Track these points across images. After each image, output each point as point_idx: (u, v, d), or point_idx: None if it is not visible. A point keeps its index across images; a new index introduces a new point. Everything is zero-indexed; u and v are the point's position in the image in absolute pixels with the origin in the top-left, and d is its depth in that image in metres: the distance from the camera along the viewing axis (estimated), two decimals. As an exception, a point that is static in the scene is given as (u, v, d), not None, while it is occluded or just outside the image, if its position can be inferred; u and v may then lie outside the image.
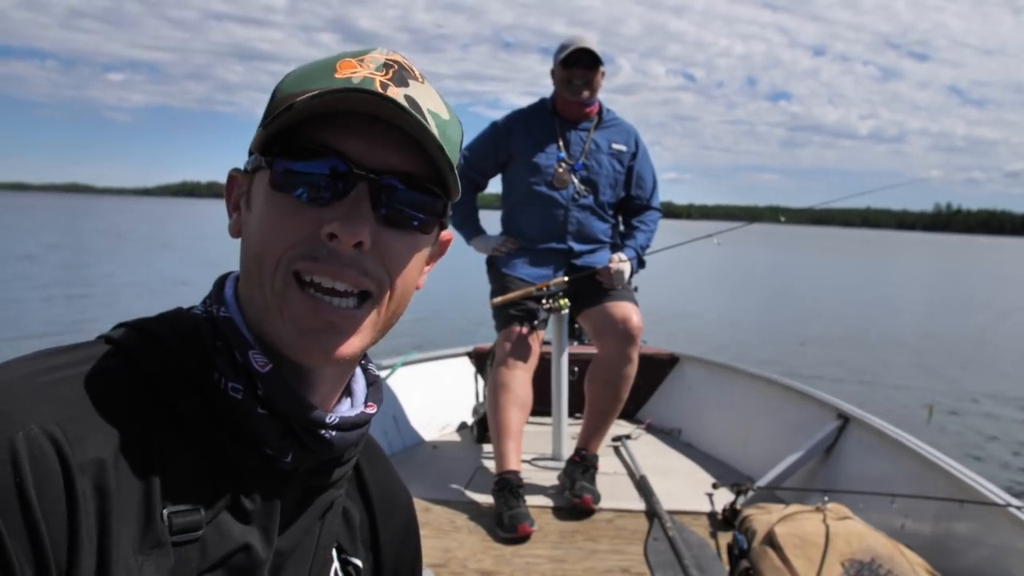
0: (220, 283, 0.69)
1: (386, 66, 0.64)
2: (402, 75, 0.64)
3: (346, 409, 0.70)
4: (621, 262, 2.90)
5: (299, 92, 0.62)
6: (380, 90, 0.61)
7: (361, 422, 0.69)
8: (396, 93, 0.62)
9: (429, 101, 0.65)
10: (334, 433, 0.65)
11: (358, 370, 0.74)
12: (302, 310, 0.62)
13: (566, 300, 2.87)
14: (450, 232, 0.75)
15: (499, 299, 2.85)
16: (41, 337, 8.75)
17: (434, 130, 0.62)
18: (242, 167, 0.68)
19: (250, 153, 0.66)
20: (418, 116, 0.61)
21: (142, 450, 0.57)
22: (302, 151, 0.62)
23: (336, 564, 0.75)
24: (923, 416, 7.31)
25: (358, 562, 0.77)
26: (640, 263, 3.02)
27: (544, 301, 2.85)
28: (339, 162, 0.61)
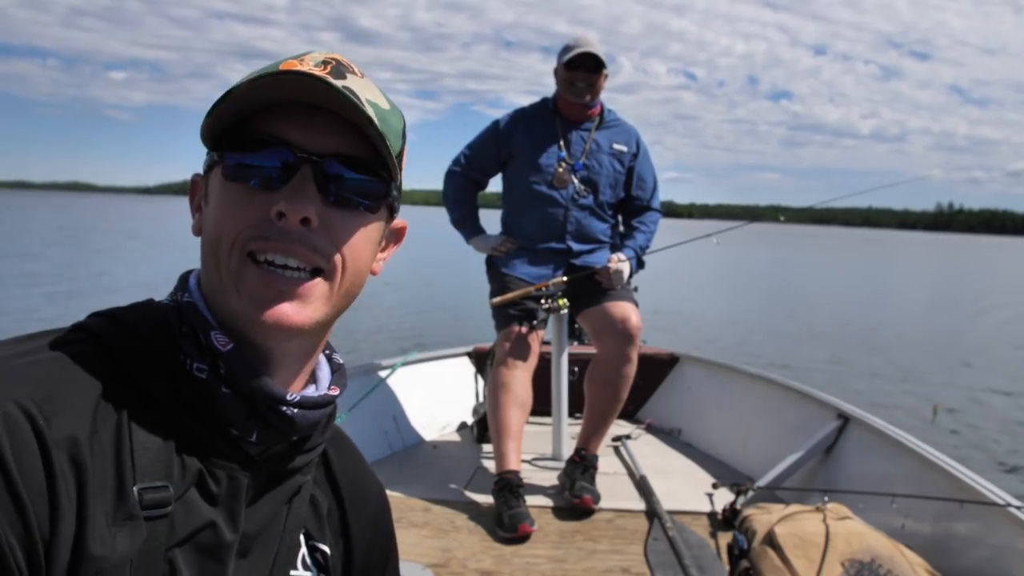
0: (184, 277, 0.73)
1: (324, 63, 0.68)
2: (340, 70, 0.67)
3: (311, 392, 0.73)
4: (620, 262, 2.90)
5: (244, 83, 0.66)
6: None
7: (324, 402, 0.72)
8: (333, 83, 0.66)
9: (368, 92, 0.68)
10: (296, 411, 0.68)
11: (322, 358, 0.77)
12: (256, 282, 0.65)
13: (565, 300, 2.87)
14: (404, 221, 0.79)
15: (498, 299, 2.85)
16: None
17: (371, 113, 0.65)
18: (200, 170, 0.73)
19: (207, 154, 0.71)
20: (351, 97, 0.64)
21: (113, 429, 0.59)
22: (250, 142, 0.66)
23: (304, 549, 0.77)
24: (927, 415, 7.32)
25: (325, 548, 0.79)
26: (639, 263, 3.03)
27: (543, 301, 2.85)
28: (284, 150, 0.65)
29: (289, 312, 0.65)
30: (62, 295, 12.92)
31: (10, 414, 0.54)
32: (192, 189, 0.74)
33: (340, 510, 0.83)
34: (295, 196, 0.65)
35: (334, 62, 0.68)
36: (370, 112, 0.65)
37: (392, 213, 0.75)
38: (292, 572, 0.74)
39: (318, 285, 0.67)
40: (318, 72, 0.65)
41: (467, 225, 3.11)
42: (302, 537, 0.77)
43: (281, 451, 0.70)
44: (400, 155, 0.71)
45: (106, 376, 0.61)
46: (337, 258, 0.67)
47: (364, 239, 0.70)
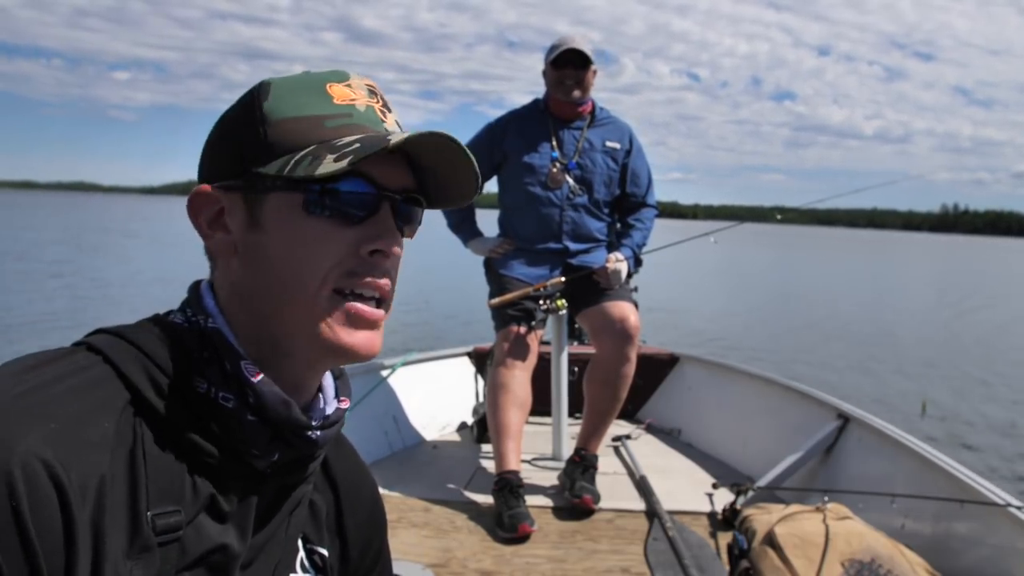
0: (196, 291, 0.71)
1: (371, 92, 0.71)
2: (385, 100, 0.72)
3: (322, 406, 0.75)
4: (618, 261, 2.90)
5: (310, 117, 0.67)
6: (383, 118, 0.70)
7: (337, 418, 0.74)
8: (391, 120, 0.71)
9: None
10: (319, 433, 0.70)
11: None
12: (350, 314, 0.67)
13: (563, 301, 2.87)
14: None
15: (497, 300, 2.85)
16: (45, 335, 8.75)
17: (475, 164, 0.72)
18: (209, 183, 0.70)
19: (230, 174, 0.68)
20: (465, 149, 0.69)
21: (127, 458, 0.59)
22: (330, 176, 0.65)
23: (302, 554, 0.78)
24: (918, 411, 7.33)
25: (323, 551, 0.80)
26: (637, 262, 3.02)
27: (542, 302, 2.85)
28: (366, 184, 0.67)
29: (374, 341, 0.69)
30: (68, 294, 12.92)
31: (28, 464, 0.52)
32: (201, 201, 0.70)
33: (337, 510, 0.84)
34: (388, 233, 0.68)
35: (378, 92, 0.72)
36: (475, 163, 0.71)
37: None
38: None
39: (383, 314, 0.71)
40: (376, 104, 0.71)
41: (464, 228, 3.11)
42: (300, 541, 0.77)
43: (289, 462, 0.70)
44: None
45: (120, 402, 0.60)
46: (393, 289, 0.72)
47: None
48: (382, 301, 0.70)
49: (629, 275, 3.00)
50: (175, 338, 0.66)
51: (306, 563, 0.78)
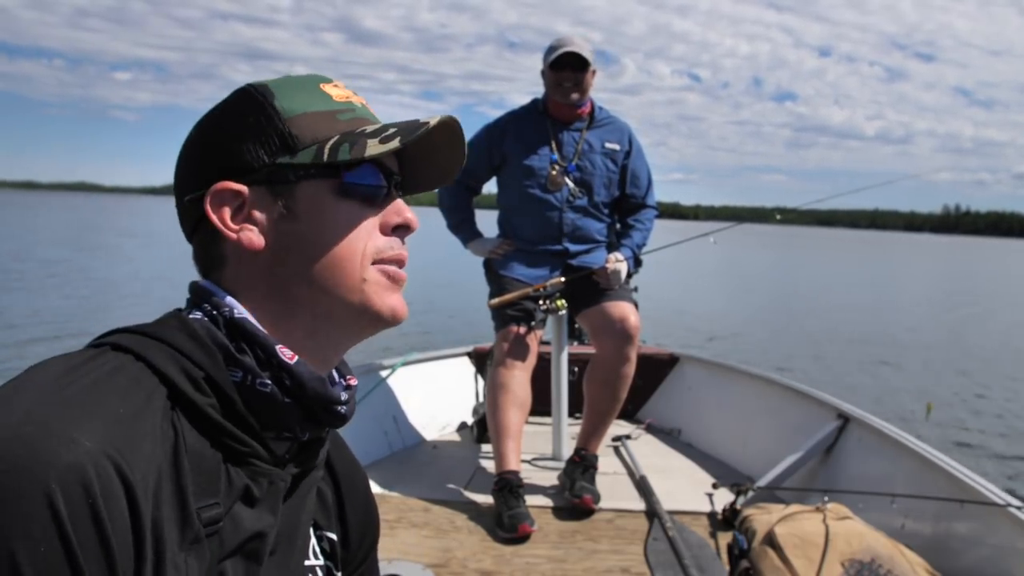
0: (202, 289, 0.71)
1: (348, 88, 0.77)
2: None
3: (339, 381, 0.78)
4: (618, 262, 2.90)
5: (322, 112, 0.72)
6: (373, 112, 0.76)
7: (352, 394, 0.77)
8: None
9: None
10: (345, 408, 0.73)
11: None
12: (390, 283, 0.73)
13: (563, 301, 2.87)
14: None
15: (496, 300, 2.85)
16: (52, 339, 8.76)
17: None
18: (230, 181, 0.70)
19: (247, 169, 0.70)
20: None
21: (174, 454, 0.60)
22: (355, 163, 0.71)
23: (313, 540, 0.80)
24: (922, 413, 7.32)
25: (333, 536, 0.83)
26: (636, 262, 3.02)
27: (541, 302, 2.85)
28: (380, 171, 0.74)
29: (404, 303, 0.75)
30: (74, 294, 12.92)
31: (99, 462, 0.53)
32: (223, 197, 0.70)
33: (338, 497, 0.86)
34: (407, 210, 0.75)
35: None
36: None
37: None
38: (306, 563, 0.77)
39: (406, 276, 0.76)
40: (360, 99, 0.77)
41: (464, 230, 3.11)
42: (311, 527, 0.79)
43: (302, 448, 0.73)
44: None
45: (159, 398, 0.61)
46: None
47: None
48: (401, 265, 0.76)
49: (629, 275, 3.00)
50: (201, 332, 0.67)
51: (316, 549, 0.80)
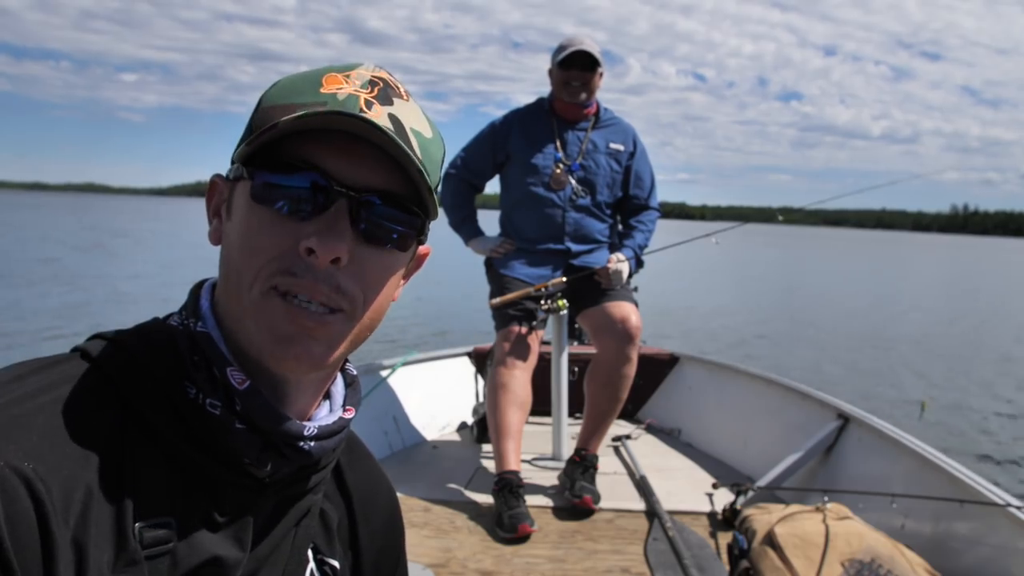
0: (196, 292, 0.69)
1: (371, 83, 0.65)
2: (387, 93, 0.65)
3: (324, 415, 0.71)
4: (619, 262, 2.90)
5: (285, 105, 0.63)
6: (364, 108, 0.63)
7: (339, 428, 0.70)
8: (380, 112, 0.63)
9: (413, 119, 0.66)
10: (312, 444, 0.67)
11: (337, 372, 0.75)
12: (278, 317, 0.62)
13: (564, 301, 2.87)
14: (428, 247, 0.74)
15: (497, 300, 2.85)
16: (56, 339, 8.76)
17: (416, 150, 0.64)
18: (225, 173, 0.69)
19: (232, 162, 0.67)
20: (398, 139, 0.61)
21: (116, 471, 0.57)
22: (283, 165, 0.62)
23: (312, 565, 0.75)
24: (917, 411, 7.32)
25: (335, 563, 0.77)
26: (638, 263, 3.02)
27: (543, 302, 2.85)
28: (319, 177, 0.62)
29: (310, 350, 0.63)
30: (80, 295, 12.92)
31: (5, 478, 0.51)
32: (210, 190, 0.70)
33: (351, 521, 0.81)
34: (328, 234, 0.61)
35: (381, 83, 0.66)
36: (416, 150, 0.64)
37: (419, 244, 0.71)
38: None
39: (338, 323, 0.64)
40: (364, 94, 0.64)
41: (466, 227, 3.10)
42: (310, 552, 0.75)
43: (292, 472, 0.68)
44: (437, 185, 0.69)
45: (109, 412, 0.59)
46: (360, 298, 0.65)
47: (390, 276, 0.67)
48: (336, 311, 0.63)
49: (630, 275, 3.00)
50: (168, 343, 0.64)
51: (316, 574, 0.75)
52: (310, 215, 0.62)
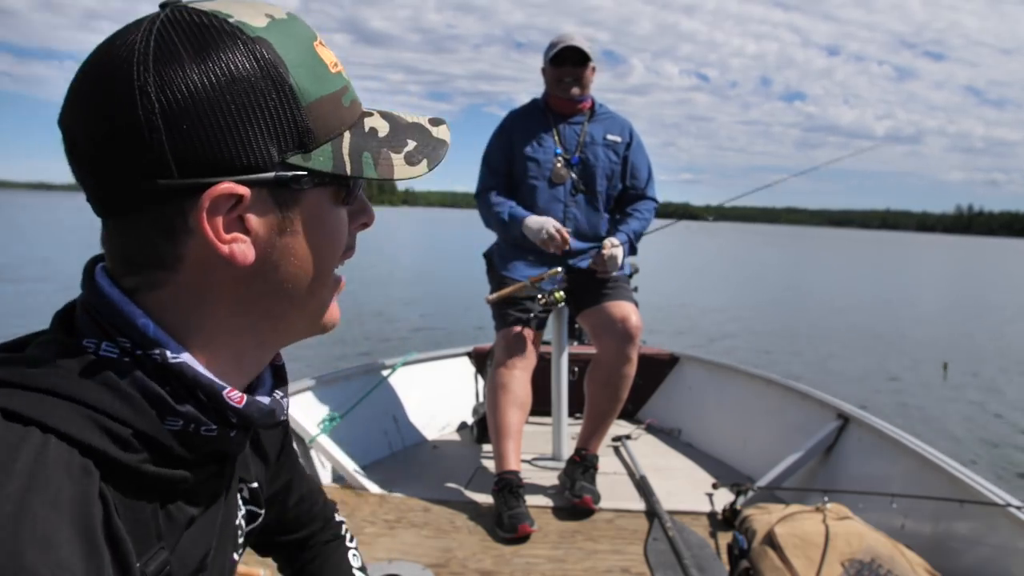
0: (117, 311, 0.57)
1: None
2: None
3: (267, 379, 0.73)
4: (613, 247, 2.88)
5: (328, 96, 0.59)
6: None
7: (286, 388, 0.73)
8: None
9: None
10: (285, 415, 0.71)
11: None
12: (335, 290, 0.67)
13: (561, 294, 2.85)
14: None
15: (494, 296, 2.85)
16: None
17: None
18: (231, 179, 0.56)
19: (252, 167, 0.56)
20: None
21: (107, 531, 0.52)
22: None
23: (239, 497, 0.78)
24: (922, 412, 7.31)
25: (254, 484, 0.81)
26: (632, 250, 3.00)
27: (539, 296, 2.84)
28: None
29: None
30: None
31: None
32: (223, 201, 0.56)
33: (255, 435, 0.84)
34: (369, 206, 0.67)
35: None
36: None
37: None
38: (236, 522, 0.76)
39: None
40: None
41: (515, 219, 2.89)
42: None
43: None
44: None
45: (76, 471, 0.51)
46: None
47: None
48: None
49: (629, 277, 2.99)
50: (126, 386, 0.55)
51: (240, 503, 0.78)
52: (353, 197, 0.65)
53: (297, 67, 0.57)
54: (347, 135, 0.61)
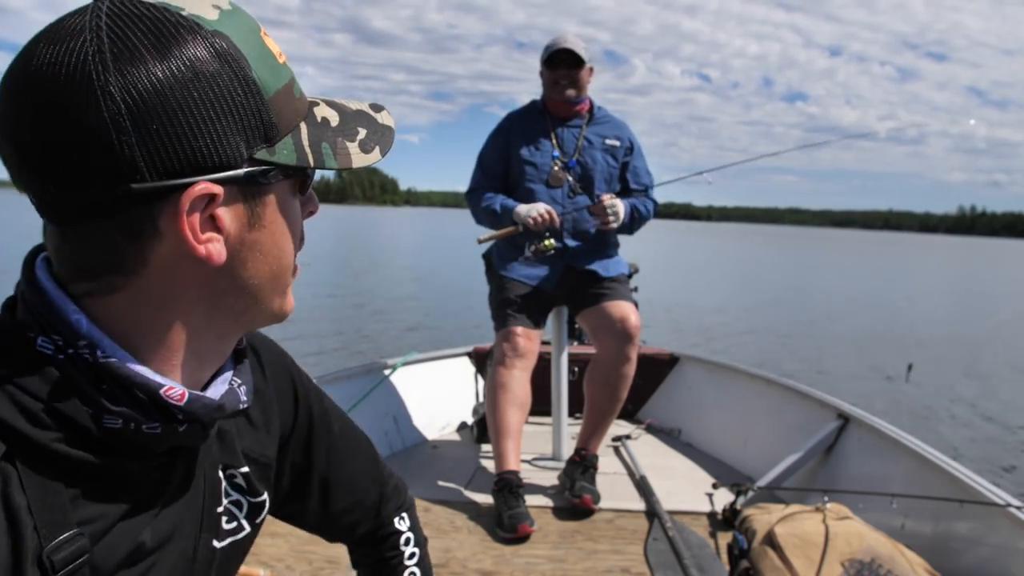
0: (54, 308, 0.56)
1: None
2: None
3: (228, 372, 0.70)
4: (612, 198, 2.85)
5: (284, 88, 0.59)
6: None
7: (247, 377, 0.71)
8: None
9: None
10: (244, 403, 0.69)
11: None
12: (293, 278, 0.67)
13: (551, 241, 2.82)
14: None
15: (486, 236, 2.85)
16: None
17: None
18: (205, 178, 0.55)
19: (223, 164, 0.55)
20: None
21: (4, 503, 0.52)
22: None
23: (224, 484, 0.75)
24: (921, 411, 7.31)
25: (244, 469, 0.77)
26: (629, 227, 2.96)
27: (529, 245, 2.82)
28: None
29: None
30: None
31: None
32: (199, 201, 0.55)
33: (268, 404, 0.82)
34: (314, 195, 0.69)
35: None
36: None
37: None
38: (218, 509, 0.73)
39: None
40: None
41: (505, 209, 2.89)
42: (220, 472, 0.74)
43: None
44: None
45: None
46: None
47: None
48: None
49: (619, 230, 2.93)
50: (60, 380, 0.55)
51: (230, 490, 0.75)
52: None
53: (255, 60, 0.57)
54: (304, 126, 0.61)
